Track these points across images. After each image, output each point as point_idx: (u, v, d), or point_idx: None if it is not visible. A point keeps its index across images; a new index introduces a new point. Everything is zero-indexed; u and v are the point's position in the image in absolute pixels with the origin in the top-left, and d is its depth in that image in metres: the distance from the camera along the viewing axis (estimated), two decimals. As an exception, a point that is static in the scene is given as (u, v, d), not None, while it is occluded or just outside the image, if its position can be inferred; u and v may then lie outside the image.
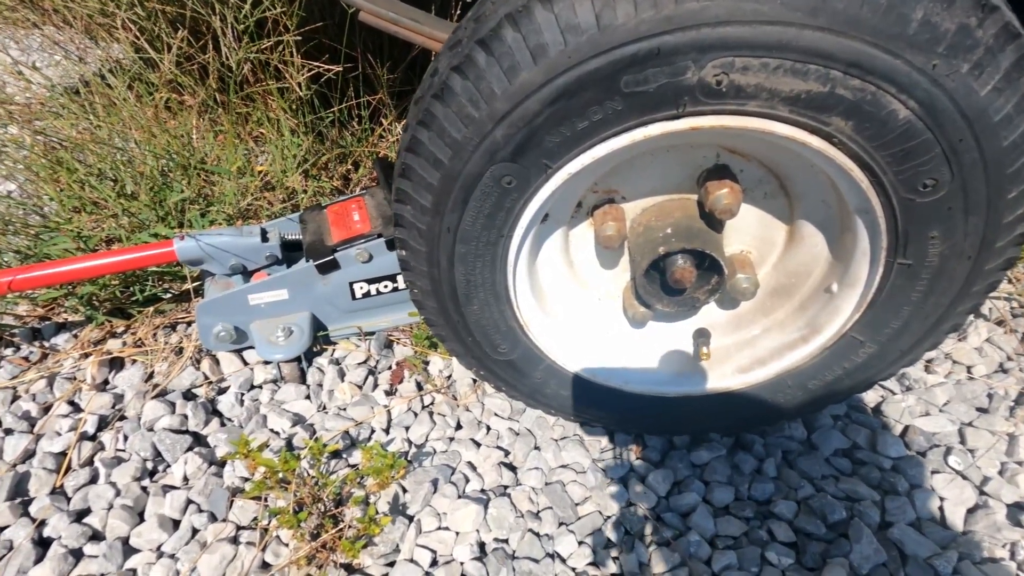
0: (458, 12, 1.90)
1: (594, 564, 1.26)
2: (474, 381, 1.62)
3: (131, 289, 1.78)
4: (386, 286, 1.65)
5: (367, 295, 1.66)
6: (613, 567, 1.26)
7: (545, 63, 0.79)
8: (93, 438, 1.48)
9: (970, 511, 1.34)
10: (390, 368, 1.67)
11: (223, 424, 1.54)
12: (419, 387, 1.62)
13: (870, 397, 1.60)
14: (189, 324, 1.76)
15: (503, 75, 0.81)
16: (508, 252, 1.03)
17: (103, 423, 1.51)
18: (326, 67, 1.82)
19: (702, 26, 0.73)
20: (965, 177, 0.83)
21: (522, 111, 0.83)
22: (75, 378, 1.60)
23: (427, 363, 1.68)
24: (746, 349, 1.23)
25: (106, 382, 1.63)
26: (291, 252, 1.71)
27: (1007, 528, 1.29)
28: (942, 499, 1.36)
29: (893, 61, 0.73)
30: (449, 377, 1.65)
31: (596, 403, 1.30)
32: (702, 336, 1.25)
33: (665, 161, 1.05)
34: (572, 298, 1.25)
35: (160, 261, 1.54)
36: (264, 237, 1.61)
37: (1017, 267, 1.97)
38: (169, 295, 1.84)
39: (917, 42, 0.72)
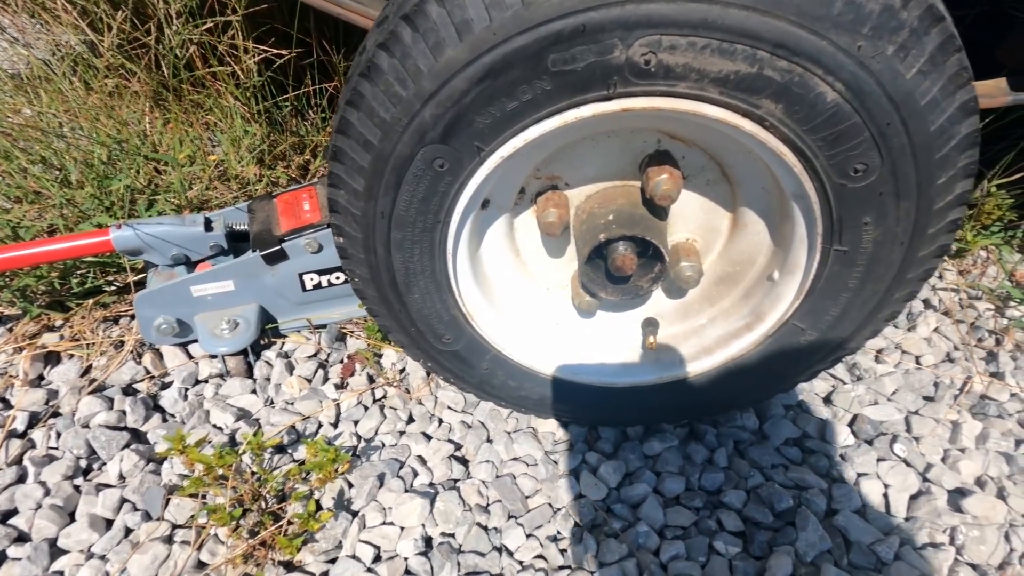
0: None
1: (541, 557, 1.25)
2: (428, 374, 1.60)
3: (69, 281, 1.70)
4: (337, 277, 1.61)
5: (318, 287, 1.62)
6: (560, 559, 1.24)
7: (470, 40, 0.76)
8: (23, 436, 1.41)
9: (913, 497, 1.36)
10: (341, 361, 1.64)
11: (164, 420, 1.49)
12: (371, 380, 1.58)
13: (821, 387, 1.61)
14: (132, 318, 1.70)
15: (429, 52, 0.78)
16: (446, 239, 1.00)
17: (34, 420, 1.44)
18: (275, 51, 1.76)
19: (627, 2, 0.71)
20: (894, 162, 0.83)
21: (449, 90, 0.80)
22: (6, 373, 1.53)
23: (380, 356, 1.64)
24: (693, 338, 1.23)
25: (41, 377, 1.56)
26: (240, 243, 1.66)
27: (947, 514, 1.31)
28: (887, 486, 1.38)
29: (818, 42, 0.72)
30: (403, 371, 1.62)
31: (545, 394, 1.29)
32: (650, 326, 1.25)
33: (607, 147, 1.04)
34: (519, 288, 1.23)
35: (97, 251, 1.47)
36: (208, 226, 1.56)
37: (966, 259, 2.02)
38: (113, 287, 1.77)
39: (842, 22, 0.71)
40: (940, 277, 2.00)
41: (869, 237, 0.92)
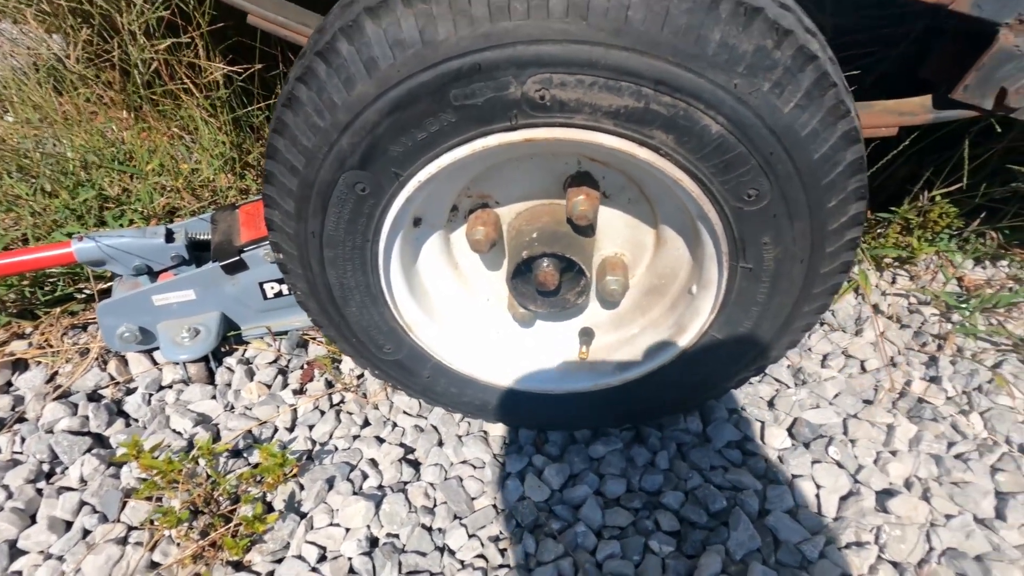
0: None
1: (482, 556, 1.31)
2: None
3: (38, 290, 1.76)
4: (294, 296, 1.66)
5: (279, 295, 1.67)
6: (500, 559, 1.30)
7: (377, 76, 0.81)
8: (-12, 441, 1.47)
9: (843, 498, 1.41)
10: (302, 367, 1.69)
11: (128, 424, 1.54)
12: (329, 385, 1.64)
13: (765, 391, 1.67)
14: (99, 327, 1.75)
15: (341, 87, 0.83)
16: (377, 256, 1.05)
17: (0, 425, 1.49)
18: (234, 69, 1.81)
19: (517, 44, 0.76)
20: (783, 187, 0.88)
21: (362, 121, 0.85)
22: (-25, 380, 1.59)
23: (338, 362, 1.70)
24: (626, 346, 1.28)
25: (9, 384, 1.61)
26: (204, 252, 1.71)
27: (872, 514, 1.37)
28: (819, 487, 1.43)
29: (697, 79, 0.77)
30: (360, 376, 1.68)
31: (486, 400, 1.34)
32: (586, 335, 1.30)
33: (532, 167, 1.09)
34: (458, 300, 1.29)
35: (59, 262, 1.52)
36: (169, 237, 1.61)
37: (917, 265, 2.07)
38: (83, 295, 1.82)
39: (717, 62, 0.76)
40: (892, 282, 2.05)
41: (770, 255, 0.97)
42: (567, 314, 1.31)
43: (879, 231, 2.02)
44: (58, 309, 1.74)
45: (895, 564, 1.29)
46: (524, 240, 1.09)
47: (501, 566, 1.29)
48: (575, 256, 1.06)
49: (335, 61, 0.82)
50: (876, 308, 1.91)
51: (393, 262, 1.10)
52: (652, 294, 1.25)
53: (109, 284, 1.78)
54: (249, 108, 2.07)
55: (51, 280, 1.81)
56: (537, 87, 0.79)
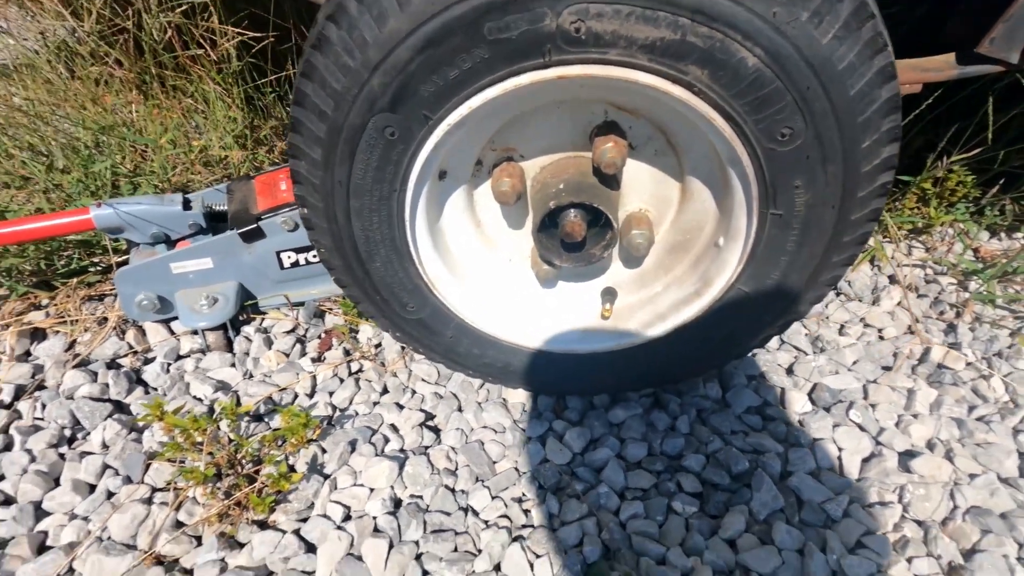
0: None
1: (506, 516, 1.30)
2: (403, 348, 1.65)
3: (54, 261, 1.75)
4: (315, 256, 1.66)
5: (296, 264, 1.67)
6: (524, 519, 1.30)
7: (410, 10, 0.80)
8: (9, 407, 1.47)
9: (865, 460, 1.41)
10: (319, 337, 1.69)
11: (147, 392, 1.54)
12: (347, 354, 1.63)
13: (784, 358, 1.66)
14: (115, 296, 1.75)
15: (373, 23, 0.83)
16: (403, 207, 1.05)
17: (20, 392, 1.49)
18: (251, 35, 1.80)
19: (554, -27, 0.75)
20: (818, 126, 0.87)
21: (394, 59, 0.85)
22: (-6, 349, 1.59)
23: (356, 332, 1.70)
24: (649, 305, 1.28)
25: (27, 353, 1.61)
26: (220, 223, 1.71)
27: (895, 474, 1.36)
28: (840, 449, 1.43)
29: (735, 8, 0.76)
30: (378, 345, 1.67)
31: (508, 362, 1.34)
32: (608, 294, 1.29)
33: (557, 118, 1.08)
34: (481, 258, 1.28)
35: (77, 229, 1.52)
36: (186, 205, 1.61)
37: (933, 236, 2.06)
38: (98, 267, 1.82)
39: (756, -11, 0.75)
40: (908, 253, 2.04)
41: (801, 200, 0.96)
42: (590, 272, 1.31)
43: (895, 202, 2.01)
44: (74, 280, 1.74)
45: (919, 522, 1.29)
46: (550, 192, 1.09)
47: (525, 526, 1.29)
48: (602, 206, 1.06)
49: (367, -3, 0.82)
50: (893, 278, 1.91)
51: (419, 215, 1.09)
52: (676, 251, 1.24)
53: (125, 257, 1.77)
54: (259, 82, 2.06)
55: (66, 252, 1.80)
56: (573, 19, 0.78)
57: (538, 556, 1.21)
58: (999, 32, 1.20)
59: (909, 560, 1.22)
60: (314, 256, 1.66)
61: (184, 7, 1.77)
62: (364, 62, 0.86)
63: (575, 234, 1.08)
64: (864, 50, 0.82)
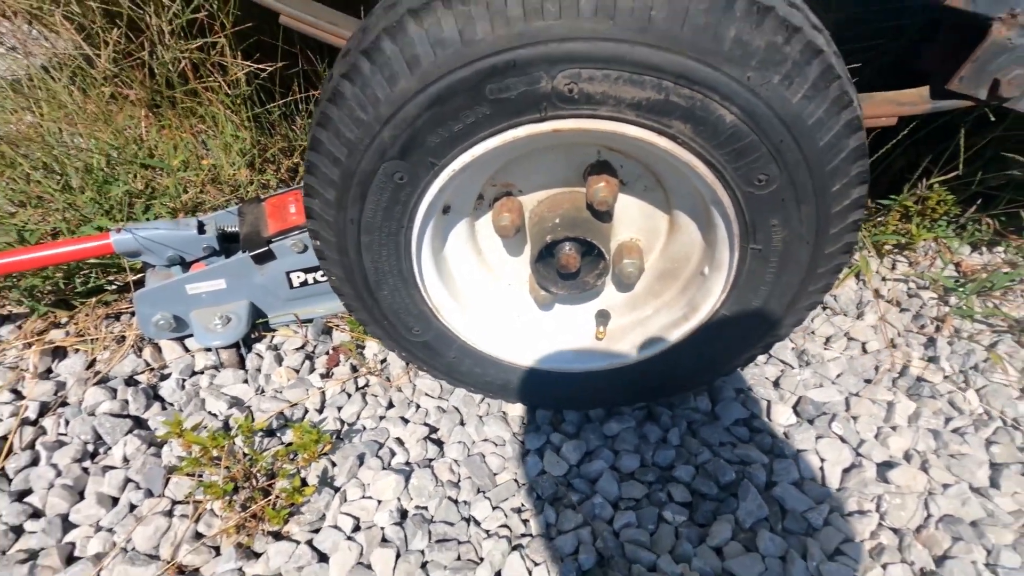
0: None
1: (506, 526, 1.38)
2: (407, 364, 1.73)
3: (73, 281, 1.83)
4: (322, 275, 1.73)
5: (304, 284, 1.75)
6: (523, 528, 1.38)
7: (419, 72, 0.88)
8: (35, 423, 1.55)
9: (846, 470, 1.49)
10: (327, 353, 1.77)
11: (164, 408, 1.62)
12: (354, 370, 1.71)
13: (771, 372, 1.74)
14: (132, 314, 1.83)
15: (384, 83, 0.91)
16: (410, 241, 1.13)
17: (45, 409, 1.57)
18: (258, 67, 1.88)
19: (549, 42, 0.83)
20: (791, 173, 0.95)
21: (404, 115, 0.93)
22: (17, 367, 1.66)
23: (363, 348, 1.77)
24: (639, 327, 1.36)
25: (49, 371, 1.69)
26: (231, 244, 1.78)
27: (873, 484, 1.45)
28: (823, 460, 1.51)
29: (713, 73, 0.84)
30: (384, 361, 1.75)
31: (508, 380, 1.42)
32: (602, 317, 1.38)
33: (554, 158, 1.16)
34: (482, 284, 1.36)
35: (98, 253, 1.60)
36: (201, 229, 1.68)
37: (916, 252, 2.14)
38: (114, 286, 1.89)
39: (732, 57, 0.83)
40: (892, 268, 2.13)
41: (778, 237, 1.04)
42: (585, 296, 1.39)
43: (879, 219, 2.09)
44: (92, 299, 1.82)
45: (895, 530, 1.37)
46: (547, 225, 1.17)
47: (524, 535, 1.37)
48: (595, 240, 1.14)
49: (379, 59, 0.90)
50: (877, 293, 1.99)
51: (425, 248, 1.17)
52: (665, 278, 1.32)
53: (141, 275, 1.85)
54: (269, 105, 2.14)
55: (84, 272, 1.88)
56: (567, 81, 0.86)
57: (536, 564, 1.29)
58: (967, 71, 1.28)
59: (884, 566, 1.30)
60: (322, 275, 1.74)
61: (200, 44, 1.84)
62: (376, 116, 0.94)
63: (570, 266, 1.16)
64: (831, 107, 0.90)
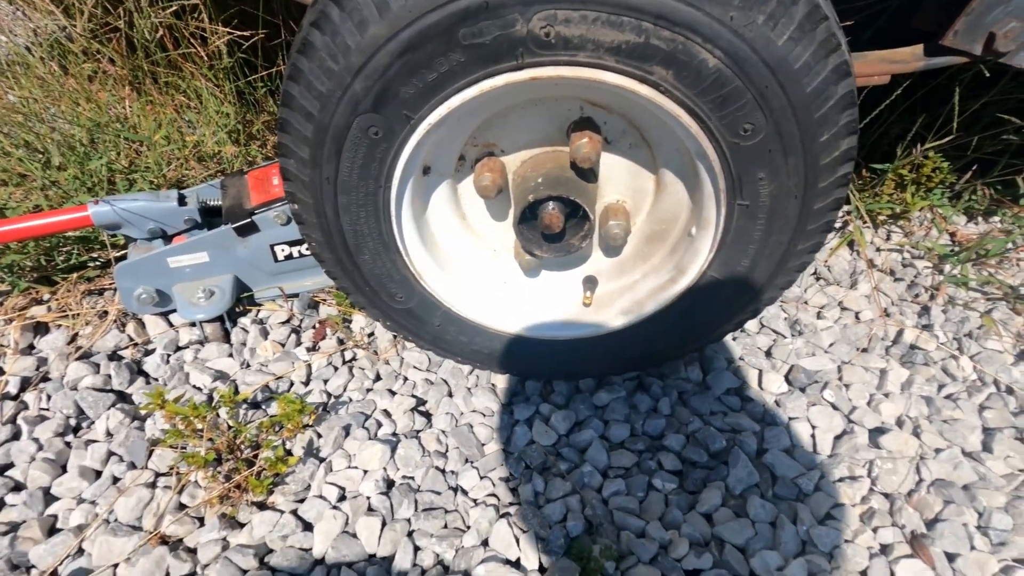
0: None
1: (494, 495, 1.37)
2: (394, 337, 1.71)
3: (54, 257, 1.80)
4: (307, 248, 1.71)
5: (289, 257, 1.72)
6: (510, 497, 1.36)
7: (389, 17, 0.85)
8: (16, 398, 1.53)
9: (837, 437, 1.48)
10: (313, 327, 1.74)
11: (148, 382, 1.60)
12: (341, 343, 1.69)
13: (762, 341, 1.72)
14: (115, 290, 1.80)
15: (354, 29, 0.87)
16: (389, 202, 1.10)
17: (26, 384, 1.55)
18: (240, 33, 1.84)
19: (523, -19, 0.80)
20: (778, 121, 0.92)
21: (375, 64, 0.89)
22: (-1, 343, 1.64)
23: (349, 322, 1.75)
24: (628, 293, 1.33)
25: (31, 346, 1.67)
26: (215, 218, 1.75)
27: (865, 449, 1.43)
28: (814, 427, 1.49)
29: (695, 13, 0.81)
30: (371, 335, 1.73)
31: (495, 348, 1.39)
32: (589, 283, 1.35)
33: (536, 115, 1.13)
34: (466, 249, 1.33)
35: (76, 226, 1.57)
36: (181, 201, 1.65)
37: (911, 221, 2.12)
38: (96, 263, 1.87)
39: (713, -5, 0.80)
40: (887, 239, 2.10)
41: (766, 191, 1.02)
42: (572, 261, 1.36)
43: (874, 189, 2.06)
44: (74, 275, 1.79)
45: (886, 495, 1.36)
46: (529, 185, 1.14)
47: (512, 504, 1.35)
48: (579, 199, 1.11)
49: (348, 4, 0.86)
50: (871, 263, 1.96)
51: (404, 209, 1.14)
52: (653, 241, 1.30)
53: (123, 252, 1.82)
54: (251, 77, 2.09)
55: (65, 248, 1.85)
56: (542, 24, 0.83)
57: (524, 531, 1.28)
58: (961, 25, 1.25)
59: (875, 530, 1.29)
60: (307, 249, 1.71)
61: (174, 8, 1.80)
62: (347, 66, 0.90)
63: (553, 226, 1.13)
64: (818, 50, 0.87)
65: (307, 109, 0.97)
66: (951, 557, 1.24)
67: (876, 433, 1.47)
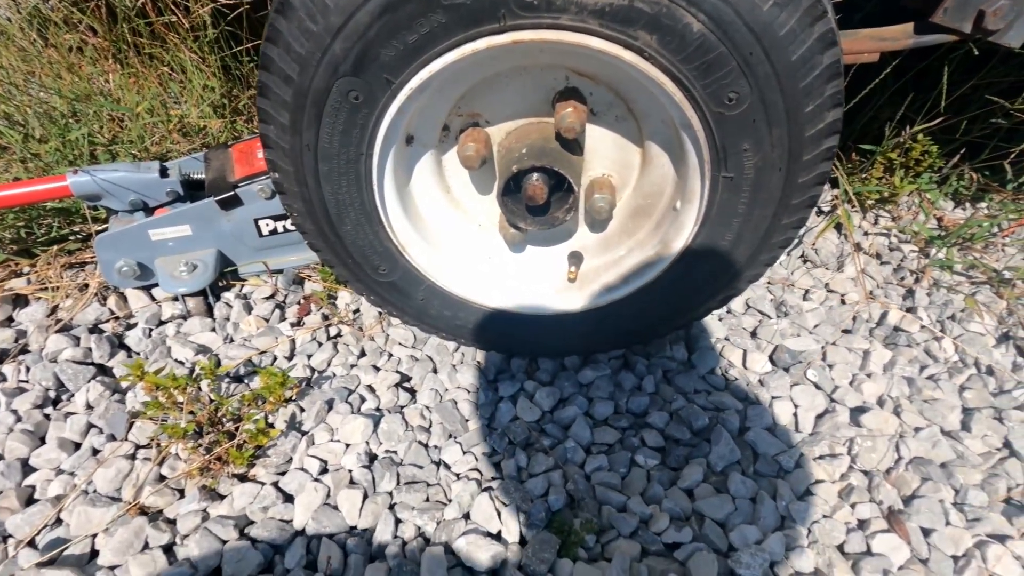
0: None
1: (476, 470, 1.37)
2: (380, 314, 1.70)
3: (34, 229, 1.77)
4: (292, 224, 1.68)
5: (274, 232, 1.70)
6: (493, 472, 1.36)
7: (368, -25, 0.83)
8: (-6, 370, 1.51)
9: (819, 416, 1.49)
10: (298, 303, 1.73)
11: (129, 356, 1.58)
12: (325, 319, 1.68)
13: (748, 322, 1.73)
14: (96, 264, 1.77)
15: (333, -12, 0.85)
16: (371, 170, 1.08)
17: (4, 356, 1.53)
18: (224, 1, 1.80)
19: (505, -62, 0.78)
20: (762, 90, 0.91)
21: (355, 24, 0.87)
22: (-24, 315, 1.61)
23: (334, 298, 1.74)
24: (613, 268, 1.33)
25: (9, 319, 1.64)
26: (198, 192, 1.72)
27: (845, 428, 1.44)
28: (796, 406, 1.50)
29: (679, -26, 0.80)
30: (356, 311, 1.72)
31: (479, 323, 1.39)
32: (575, 258, 1.34)
33: (520, 84, 1.11)
34: (451, 223, 1.32)
35: (54, 196, 1.54)
36: (163, 173, 1.62)
37: (899, 206, 2.12)
38: (78, 236, 1.84)
39: (698, -43, 0.79)
40: (875, 223, 2.10)
41: (750, 163, 1.01)
42: (557, 236, 1.35)
43: (862, 174, 2.06)
44: (54, 248, 1.76)
45: (865, 472, 1.37)
46: (514, 156, 1.13)
47: (494, 478, 1.35)
48: (563, 170, 1.10)
49: (326, -39, 0.84)
50: (858, 246, 1.97)
51: (387, 179, 1.13)
52: (638, 215, 1.29)
53: (105, 225, 1.80)
54: (236, 50, 2.06)
55: (45, 221, 1.82)
56: (525, -16, 0.81)
57: (505, 505, 1.28)
58: (951, 3, 1.24)
59: (853, 506, 1.30)
60: (290, 221, 1.69)
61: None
62: (326, 27, 0.88)
63: (537, 197, 1.12)
64: (804, 17, 0.85)
65: (286, 72, 0.95)
66: (927, 532, 1.25)
67: (857, 412, 1.48)
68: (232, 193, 1.59)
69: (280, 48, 0.94)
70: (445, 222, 1.31)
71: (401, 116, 1.01)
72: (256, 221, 1.66)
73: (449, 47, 0.90)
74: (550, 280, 1.37)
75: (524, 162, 1.10)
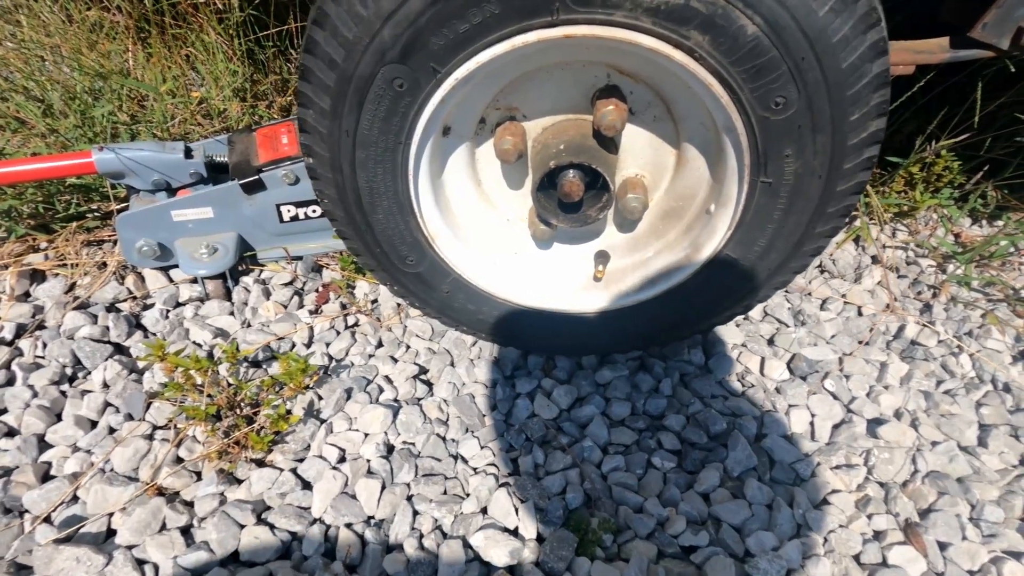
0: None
1: (493, 465, 1.37)
2: (398, 305, 1.69)
3: (54, 205, 1.76)
4: (314, 211, 1.68)
5: (295, 219, 1.69)
6: (510, 467, 1.36)
7: (424, -38, 0.82)
8: (11, 344, 1.50)
9: (836, 426, 1.49)
10: (316, 290, 1.72)
11: (146, 336, 1.57)
12: (343, 308, 1.67)
13: (766, 329, 1.73)
14: (115, 243, 1.77)
15: (387, -27, 0.85)
16: (408, 160, 1.08)
17: (21, 331, 1.52)
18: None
19: (566, -69, 0.77)
20: (810, 96, 0.91)
21: (407, 10, 0.87)
22: (-6, 288, 1.61)
23: (353, 287, 1.73)
24: (640, 269, 1.32)
25: (27, 294, 1.63)
26: (221, 174, 1.72)
27: (863, 439, 1.45)
28: (813, 415, 1.50)
29: (738, -25, 0.79)
30: (375, 301, 1.71)
31: (502, 318, 1.38)
32: (601, 257, 1.34)
33: (560, 80, 1.11)
34: (480, 216, 1.32)
35: (78, 172, 1.53)
36: (188, 154, 1.62)
37: (917, 220, 2.12)
38: (97, 213, 1.83)
39: (759, -42, 0.78)
40: (893, 236, 2.11)
41: (790, 169, 1.01)
42: (585, 234, 1.35)
43: (884, 185, 2.06)
44: (73, 224, 1.75)
45: (882, 483, 1.38)
46: (551, 152, 1.12)
47: (511, 474, 1.35)
48: (601, 168, 1.09)
49: (382, -54, 0.83)
50: (875, 259, 1.97)
51: (422, 169, 1.12)
52: (669, 217, 1.29)
53: (125, 204, 1.78)
54: (260, 35, 2.04)
55: (65, 197, 1.81)
56: (582, -22, 0.81)
57: (523, 501, 1.28)
58: (991, 18, 1.24)
59: (869, 516, 1.30)
60: (313, 211, 1.68)
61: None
62: (377, 12, 0.88)
63: (573, 194, 1.12)
64: (858, 24, 0.85)
65: (331, 56, 0.95)
66: (943, 546, 1.25)
67: (874, 423, 1.48)
68: (256, 177, 1.58)
69: (327, 32, 0.93)
70: (474, 215, 1.31)
71: (443, 107, 1.01)
72: (278, 207, 1.65)
73: (499, 38, 0.89)
74: (575, 278, 1.37)
75: (562, 158, 1.09)
